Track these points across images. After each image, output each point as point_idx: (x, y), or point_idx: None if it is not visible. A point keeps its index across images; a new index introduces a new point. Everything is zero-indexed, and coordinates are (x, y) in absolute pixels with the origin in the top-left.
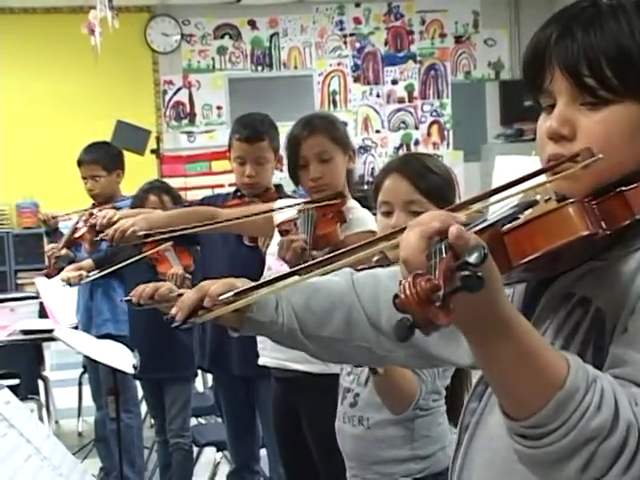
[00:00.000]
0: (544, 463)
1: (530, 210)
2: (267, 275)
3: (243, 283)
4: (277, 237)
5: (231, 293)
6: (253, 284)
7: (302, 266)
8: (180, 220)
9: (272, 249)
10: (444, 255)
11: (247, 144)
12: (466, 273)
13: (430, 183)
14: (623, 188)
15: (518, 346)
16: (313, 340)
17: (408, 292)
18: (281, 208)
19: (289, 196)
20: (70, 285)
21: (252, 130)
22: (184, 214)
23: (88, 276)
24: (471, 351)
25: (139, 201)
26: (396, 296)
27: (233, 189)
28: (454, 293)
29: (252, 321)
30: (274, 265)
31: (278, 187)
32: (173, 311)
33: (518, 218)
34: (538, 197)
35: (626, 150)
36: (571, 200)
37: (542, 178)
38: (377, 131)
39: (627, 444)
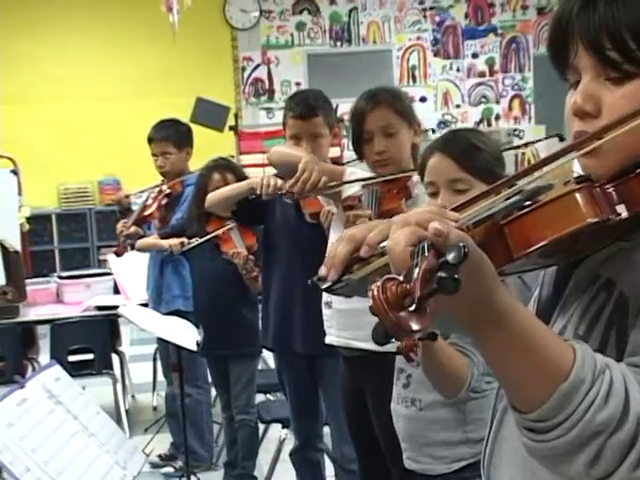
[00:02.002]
0: (551, 457)
1: (542, 196)
2: None
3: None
4: (339, 214)
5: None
6: None
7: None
8: (336, 175)
9: (335, 225)
10: (426, 254)
11: (301, 121)
12: (442, 275)
13: (475, 160)
14: None
15: (516, 339)
16: None
17: (377, 297)
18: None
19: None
20: (172, 254)
21: (305, 106)
22: (329, 170)
23: (190, 243)
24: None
25: (203, 179)
26: None
27: None
28: (430, 296)
29: None
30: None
31: (335, 162)
32: (322, 271)
33: (527, 205)
34: (556, 181)
35: None
36: (578, 186)
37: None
38: (457, 106)
39: (638, 437)
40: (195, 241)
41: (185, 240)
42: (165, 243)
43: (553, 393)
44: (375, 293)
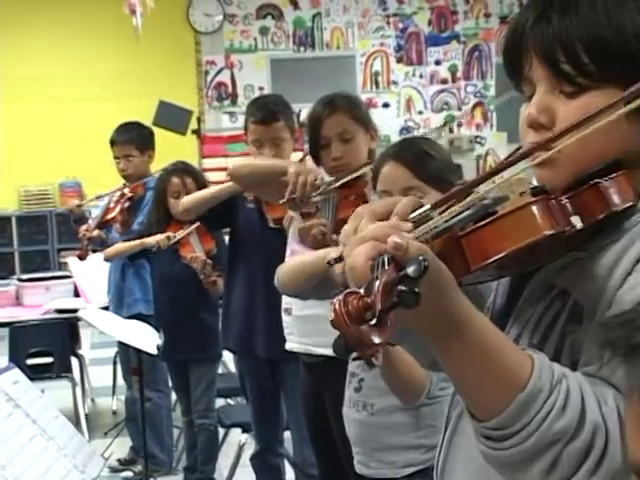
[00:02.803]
0: (509, 465)
1: (499, 207)
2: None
3: None
4: (299, 218)
5: None
6: None
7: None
8: None
9: (292, 231)
10: (386, 267)
11: (263, 126)
12: (403, 288)
13: (428, 168)
14: (598, 180)
15: (475, 348)
16: None
17: (338, 311)
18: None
19: None
20: (160, 249)
21: (267, 111)
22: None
23: (175, 236)
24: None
25: (161, 183)
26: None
27: None
28: (390, 309)
29: None
30: (298, 249)
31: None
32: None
33: (484, 217)
34: (512, 191)
35: (606, 138)
36: (534, 199)
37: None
38: (420, 112)
39: (594, 446)
40: (179, 235)
41: (171, 234)
42: (152, 240)
43: (511, 402)
44: (337, 307)
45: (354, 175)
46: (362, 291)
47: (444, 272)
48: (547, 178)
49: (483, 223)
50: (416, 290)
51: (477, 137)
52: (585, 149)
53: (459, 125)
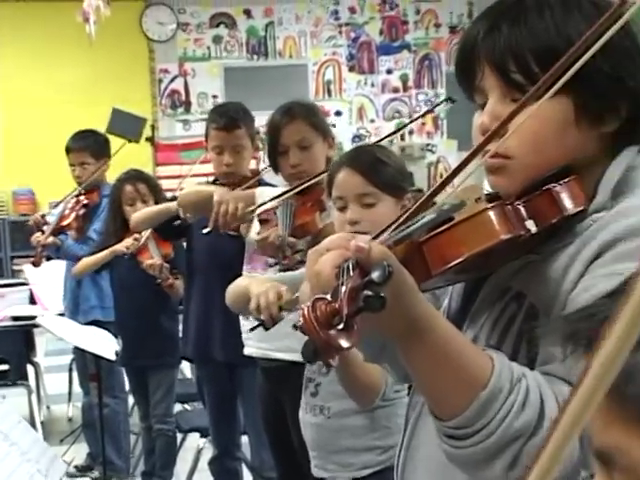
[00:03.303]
0: (471, 463)
1: (456, 214)
2: (248, 267)
3: None
4: (257, 224)
5: None
6: None
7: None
8: (248, 199)
9: (252, 236)
10: (351, 274)
11: (224, 132)
12: (368, 293)
13: (382, 174)
14: (550, 185)
15: (436, 350)
16: None
17: (307, 317)
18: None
19: (267, 183)
20: (131, 254)
21: (228, 118)
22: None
23: (142, 237)
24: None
25: (116, 191)
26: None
27: (212, 179)
28: (357, 314)
29: None
30: (255, 254)
31: (256, 174)
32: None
33: (443, 223)
34: (468, 198)
35: (557, 144)
36: (491, 205)
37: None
38: (372, 120)
39: None
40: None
41: (138, 235)
42: (121, 247)
43: (472, 402)
44: (305, 313)
45: (311, 182)
46: (329, 297)
47: (406, 277)
48: (501, 185)
49: (442, 229)
50: (381, 295)
51: (428, 145)
52: (537, 156)
53: (410, 133)
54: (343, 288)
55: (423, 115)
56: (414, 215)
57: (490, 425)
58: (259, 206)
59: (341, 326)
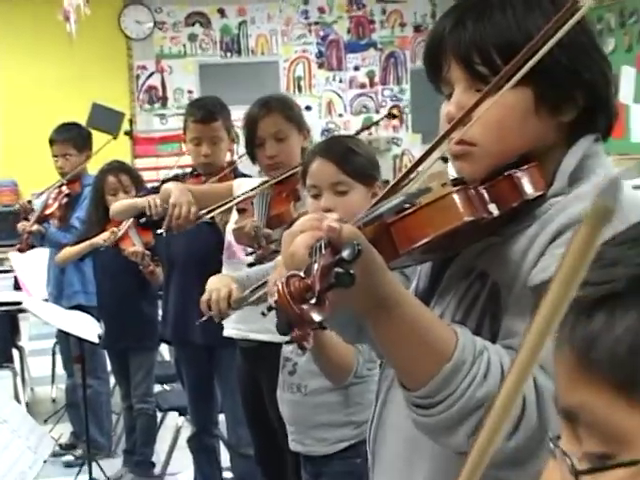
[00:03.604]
0: (436, 430)
1: (422, 198)
2: (228, 254)
3: None
4: (235, 214)
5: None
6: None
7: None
8: (213, 196)
9: (231, 225)
10: (323, 252)
11: (202, 125)
12: (339, 270)
13: (354, 163)
14: (511, 171)
15: (404, 325)
16: None
17: (282, 292)
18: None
19: (244, 175)
20: (108, 247)
21: (206, 111)
22: (214, 190)
23: (119, 230)
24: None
25: (99, 182)
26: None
27: (190, 170)
28: (328, 290)
29: None
30: (233, 241)
31: (232, 163)
32: (271, 300)
33: (408, 207)
34: (434, 184)
35: (519, 132)
36: (455, 188)
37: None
38: (340, 115)
39: None
40: (123, 229)
41: (115, 229)
42: (99, 239)
43: (438, 373)
44: (280, 288)
45: (288, 174)
46: (302, 274)
47: (375, 255)
48: (466, 170)
49: (410, 211)
50: (351, 272)
51: (394, 138)
52: (500, 143)
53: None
54: (315, 266)
55: (368, 127)
56: (383, 200)
57: (453, 395)
58: (214, 209)
59: (313, 301)
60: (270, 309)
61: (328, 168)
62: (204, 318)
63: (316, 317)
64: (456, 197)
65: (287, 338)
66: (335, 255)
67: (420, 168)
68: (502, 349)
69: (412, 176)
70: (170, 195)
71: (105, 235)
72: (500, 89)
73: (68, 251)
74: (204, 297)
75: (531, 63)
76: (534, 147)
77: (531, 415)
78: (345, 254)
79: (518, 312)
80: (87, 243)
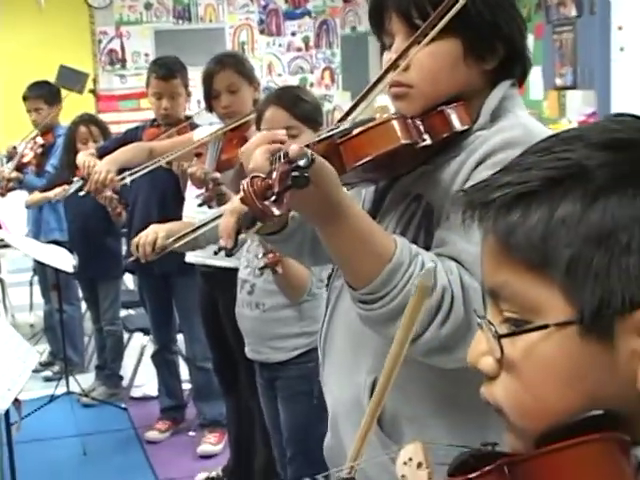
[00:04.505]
0: (379, 322)
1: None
2: (189, 192)
3: None
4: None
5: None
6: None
7: None
8: (132, 157)
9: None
10: (282, 161)
11: (163, 81)
12: (295, 174)
13: (303, 110)
14: (443, 107)
15: (352, 229)
16: (313, 238)
17: (246, 190)
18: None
19: (198, 125)
20: (58, 200)
21: (167, 69)
22: (133, 151)
23: (70, 189)
24: (319, 235)
25: (71, 132)
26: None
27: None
28: (287, 190)
29: (294, 219)
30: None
31: (188, 117)
32: (221, 242)
33: (356, 130)
34: (377, 115)
35: (449, 77)
36: (396, 115)
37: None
38: (279, 74)
39: (443, 303)
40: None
41: (66, 186)
42: (51, 194)
43: (380, 272)
44: (244, 187)
45: (237, 123)
46: (264, 176)
47: (327, 166)
48: (404, 108)
49: (356, 132)
50: (306, 175)
51: (326, 95)
52: (432, 85)
53: (311, 85)
54: (275, 172)
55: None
56: (334, 128)
57: (394, 291)
58: (129, 174)
59: (273, 198)
60: (219, 249)
61: (280, 114)
62: (132, 258)
63: (276, 211)
64: (395, 123)
65: (238, 264)
66: (291, 163)
67: (363, 104)
68: (434, 255)
69: (357, 110)
70: (96, 164)
71: (57, 190)
72: (432, 40)
73: (34, 197)
74: (134, 239)
75: (453, 11)
76: (462, 90)
77: (459, 308)
78: (301, 162)
79: (448, 226)
80: (40, 197)
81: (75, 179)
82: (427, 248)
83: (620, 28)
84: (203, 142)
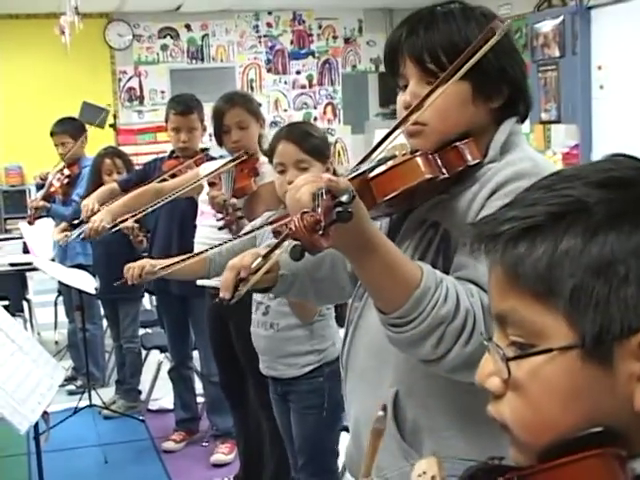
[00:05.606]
0: (408, 344)
1: (390, 162)
2: (200, 219)
3: (259, 251)
4: (207, 187)
5: (259, 259)
6: (272, 247)
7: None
8: (134, 203)
9: (203, 197)
10: (324, 197)
11: (181, 117)
12: (339, 209)
13: (312, 144)
14: (457, 143)
15: (383, 259)
16: (312, 282)
17: (298, 225)
18: (208, 174)
19: (213, 158)
20: (60, 245)
21: (184, 105)
22: (135, 197)
23: (71, 235)
24: (352, 266)
25: (97, 164)
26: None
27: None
28: (332, 224)
29: (283, 277)
30: (206, 210)
31: (204, 150)
32: (221, 295)
33: (384, 167)
34: (397, 152)
35: (459, 116)
36: (419, 153)
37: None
38: (285, 110)
39: (466, 325)
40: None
41: (68, 233)
42: (56, 238)
43: (409, 298)
44: (296, 222)
45: (244, 157)
46: (312, 213)
47: (362, 203)
48: (419, 145)
49: (385, 169)
50: (349, 210)
51: (329, 129)
52: (444, 123)
53: (315, 119)
54: (319, 208)
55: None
56: (360, 165)
57: (422, 315)
58: (125, 219)
59: (321, 232)
60: (220, 300)
61: (291, 148)
62: (121, 281)
63: (324, 244)
64: (419, 160)
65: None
66: (335, 199)
67: (385, 144)
68: (455, 279)
69: (380, 150)
70: (95, 208)
71: (60, 236)
72: (446, 82)
73: (55, 236)
74: (127, 264)
75: (471, 62)
76: (471, 127)
77: (480, 327)
78: (344, 198)
79: (465, 251)
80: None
81: (75, 222)
82: (445, 272)
83: (600, 68)
84: (214, 173)
